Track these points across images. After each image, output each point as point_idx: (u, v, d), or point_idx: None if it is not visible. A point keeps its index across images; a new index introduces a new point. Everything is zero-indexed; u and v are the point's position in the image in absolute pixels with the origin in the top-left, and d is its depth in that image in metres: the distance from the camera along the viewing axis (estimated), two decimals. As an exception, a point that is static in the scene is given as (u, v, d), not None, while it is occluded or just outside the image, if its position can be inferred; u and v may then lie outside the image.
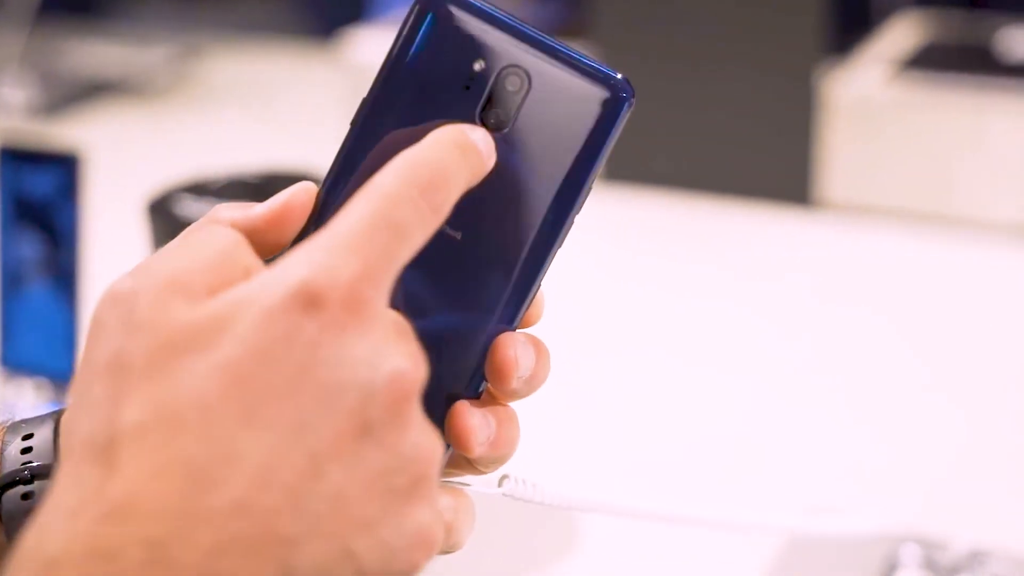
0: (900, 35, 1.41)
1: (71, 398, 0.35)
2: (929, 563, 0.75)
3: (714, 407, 0.97)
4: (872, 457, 0.89)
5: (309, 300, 0.33)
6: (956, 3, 1.45)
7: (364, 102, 0.41)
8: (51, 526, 0.32)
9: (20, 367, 0.96)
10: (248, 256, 0.37)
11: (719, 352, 1.05)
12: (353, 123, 0.41)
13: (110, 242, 1.16)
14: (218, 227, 0.37)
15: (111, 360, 0.34)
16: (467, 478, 0.42)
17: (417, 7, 0.41)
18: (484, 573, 0.78)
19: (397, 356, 0.34)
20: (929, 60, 1.33)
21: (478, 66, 0.41)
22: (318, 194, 0.41)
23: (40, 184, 0.93)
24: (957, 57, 1.34)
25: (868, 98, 1.27)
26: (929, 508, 0.83)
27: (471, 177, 0.39)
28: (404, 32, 0.41)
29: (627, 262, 1.24)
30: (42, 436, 0.45)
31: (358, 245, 0.34)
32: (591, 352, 1.06)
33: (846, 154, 1.28)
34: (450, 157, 0.38)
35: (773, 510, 0.83)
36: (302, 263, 0.34)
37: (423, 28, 0.41)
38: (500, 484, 0.43)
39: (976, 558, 0.74)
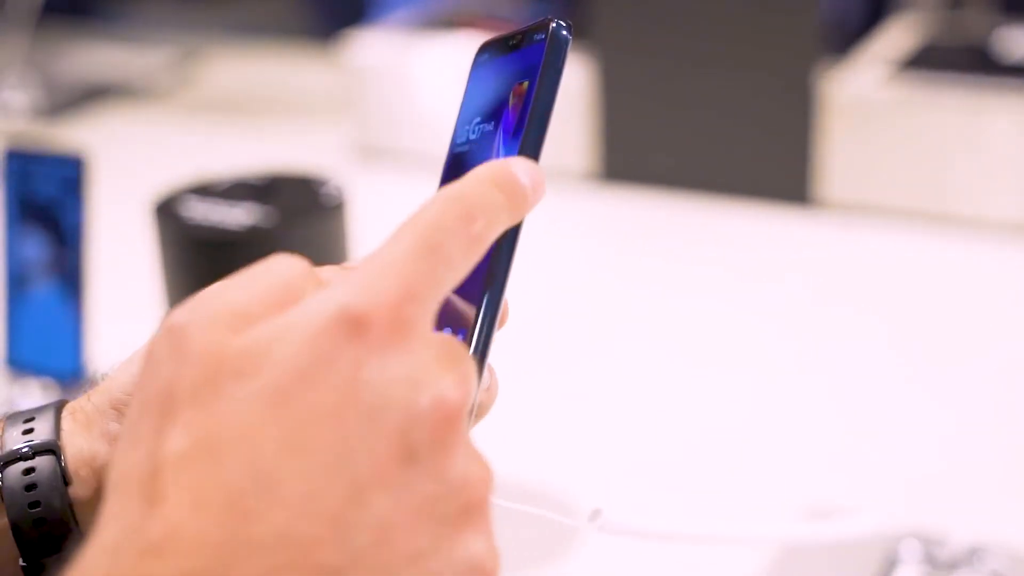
0: (898, 35, 1.42)
1: (122, 432, 0.35)
2: (929, 559, 0.75)
3: (713, 406, 0.97)
4: (871, 454, 0.90)
5: (351, 322, 0.33)
6: (954, 3, 1.46)
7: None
8: (93, 562, 0.32)
9: (25, 367, 0.97)
10: (312, 286, 0.36)
11: (717, 351, 1.06)
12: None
13: (114, 242, 1.17)
14: (287, 257, 0.37)
15: (159, 393, 0.33)
16: (556, 513, 0.42)
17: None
18: None
19: (442, 379, 0.34)
20: (927, 60, 1.34)
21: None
22: None
23: (46, 185, 0.94)
24: (955, 57, 1.34)
25: (866, 98, 1.28)
26: (928, 504, 0.83)
27: (513, 209, 0.39)
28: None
29: (626, 261, 1.25)
30: (44, 420, 0.46)
31: (400, 268, 0.34)
32: (590, 352, 1.07)
33: (844, 154, 1.29)
34: (488, 191, 0.38)
35: (773, 508, 0.84)
36: (344, 287, 0.34)
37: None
38: (592, 519, 0.43)
39: (975, 554, 0.75)
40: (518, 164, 0.40)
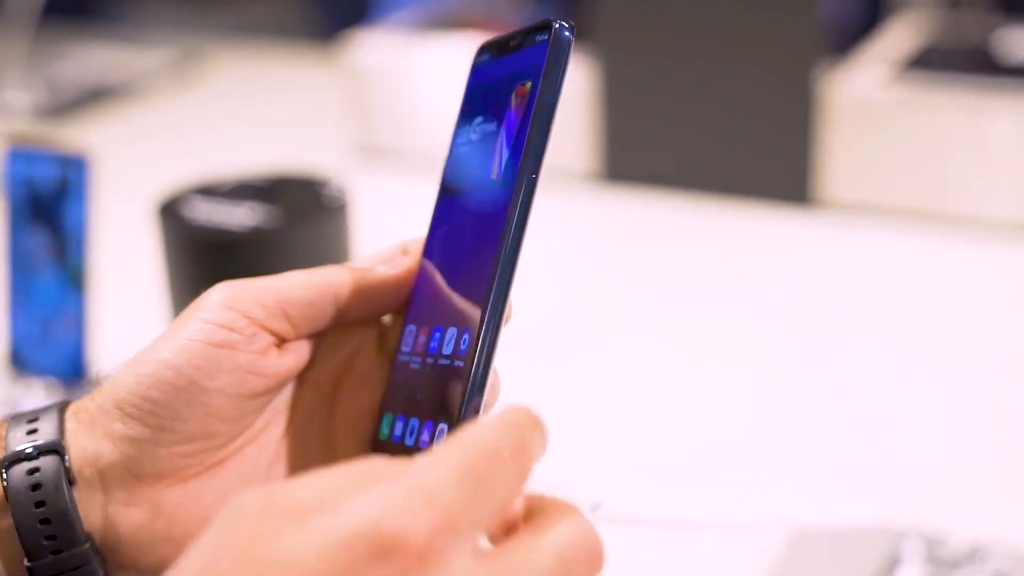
0: (899, 36, 1.42)
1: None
2: (931, 558, 0.75)
3: (714, 406, 0.97)
4: (872, 453, 0.90)
5: (380, 545, 0.32)
6: (955, 4, 1.46)
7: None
8: None
9: (29, 367, 0.97)
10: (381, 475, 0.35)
11: (718, 351, 1.06)
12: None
13: (117, 243, 1.17)
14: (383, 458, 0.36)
15: (199, 571, 0.33)
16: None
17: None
18: None
19: None
20: (928, 60, 1.34)
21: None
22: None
23: (49, 184, 0.94)
24: (956, 58, 1.35)
25: (867, 98, 1.28)
26: (930, 503, 0.83)
27: (541, 453, 0.38)
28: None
29: (627, 261, 1.25)
30: (47, 421, 0.46)
31: (443, 495, 0.33)
32: (591, 351, 1.07)
33: (845, 154, 1.29)
34: (532, 436, 0.37)
35: (774, 507, 0.84)
36: (379, 502, 0.33)
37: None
38: (593, 510, 0.44)
39: (977, 553, 0.75)
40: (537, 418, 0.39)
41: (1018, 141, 1.22)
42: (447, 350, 0.44)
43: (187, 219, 0.84)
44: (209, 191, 0.87)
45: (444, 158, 0.48)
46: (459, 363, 0.43)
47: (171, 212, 0.85)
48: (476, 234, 0.44)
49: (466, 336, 0.42)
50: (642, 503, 0.86)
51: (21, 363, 0.97)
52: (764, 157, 1.32)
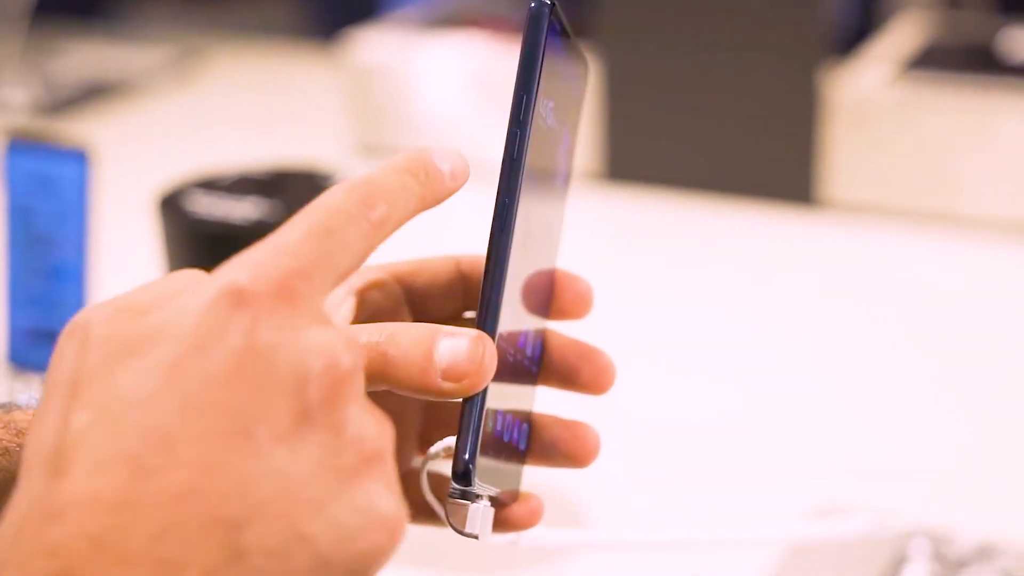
0: (903, 35, 1.41)
1: (31, 422, 0.36)
2: (938, 557, 0.75)
3: (718, 404, 0.97)
4: (878, 453, 0.90)
5: (235, 294, 0.34)
6: (958, 3, 1.45)
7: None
8: (1, 536, 0.33)
9: (27, 364, 0.96)
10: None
11: (721, 351, 1.06)
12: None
13: (115, 239, 1.16)
14: (187, 270, 0.39)
15: (64, 380, 0.34)
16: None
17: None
18: None
19: (332, 343, 0.35)
20: (932, 60, 1.33)
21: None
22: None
23: (49, 180, 0.93)
24: (960, 57, 1.34)
25: (870, 98, 1.27)
26: (937, 503, 0.83)
27: (428, 195, 0.41)
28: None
29: (630, 261, 1.25)
30: None
31: (290, 247, 0.36)
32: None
33: (849, 154, 1.28)
34: (396, 178, 0.40)
35: (779, 507, 0.84)
36: (235, 265, 0.35)
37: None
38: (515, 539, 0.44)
39: (985, 552, 0.75)
40: (436, 151, 0.41)
41: (1022, 140, 1.22)
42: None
43: (188, 212, 0.83)
44: (210, 185, 0.86)
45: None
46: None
47: (172, 205, 0.84)
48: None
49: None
50: (646, 500, 0.85)
51: (19, 359, 0.97)
52: (767, 157, 1.31)
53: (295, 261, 0.35)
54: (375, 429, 0.35)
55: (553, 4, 0.43)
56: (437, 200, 0.41)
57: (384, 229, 0.39)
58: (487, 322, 0.41)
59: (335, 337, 0.35)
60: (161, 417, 0.33)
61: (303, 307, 0.35)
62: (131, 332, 0.34)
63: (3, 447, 0.44)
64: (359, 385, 0.35)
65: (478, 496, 0.41)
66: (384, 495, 0.35)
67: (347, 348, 0.35)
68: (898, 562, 0.75)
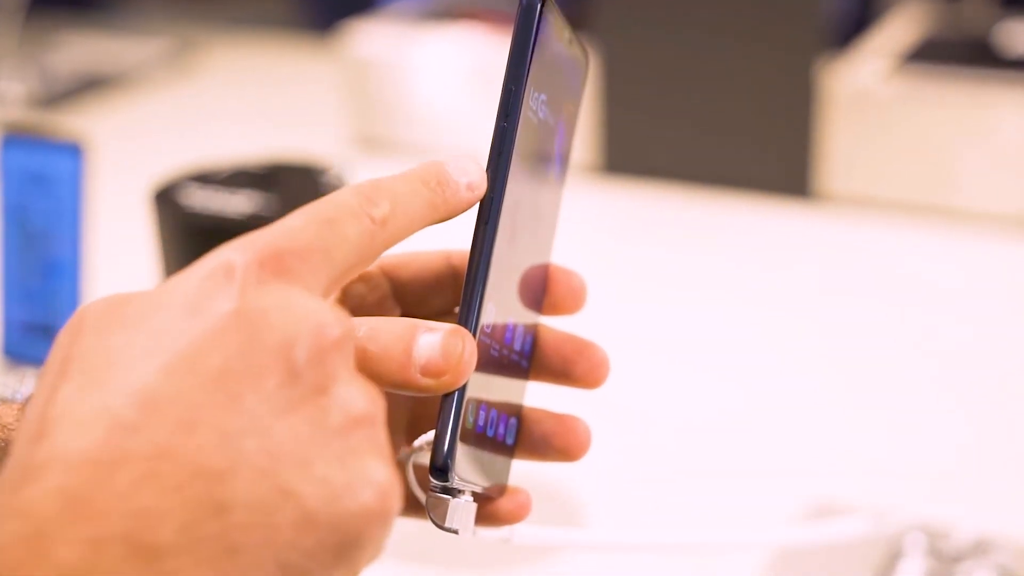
0: (901, 27, 1.41)
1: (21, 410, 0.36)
2: (934, 552, 0.75)
3: (715, 399, 0.97)
4: (876, 447, 0.90)
5: (227, 266, 0.35)
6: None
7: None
8: None
9: (23, 357, 0.96)
10: None
11: (717, 345, 1.05)
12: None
13: (111, 232, 1.16)
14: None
15: (57, 361, 0.35)
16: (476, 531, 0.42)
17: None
18: None
19: (323, 311, 0.35)
20: (930, 53, 1.33)
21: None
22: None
23: (44, 174, 0.93)
24: (957, 50, 1.34)
25: (868, 91, 1.27)
26: (933, 497, 0.83)
27: (441, 204, 0.41)
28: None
29: (626, 254, 1.24)
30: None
31: (290, 232, 0.36)
32: (593, 343, 1.06)
33: (846, 147, 1.28)
34: (407, 183, 0.40)
35: (774, 503, 0.83)
36: (231, 246, 0.36)
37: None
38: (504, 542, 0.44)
39: (980, 547, 0.75)
40: (452, 160, 0.41)
41: (1020, 134, 1.22)
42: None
43: (183, 206, 0.83)
44: (205, 178, 0.86)
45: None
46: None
47: (167, 198, 0.84)
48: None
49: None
50: (643, 496, 0.85)
51: (15, 353, 0.97)
52: (764, 150, 1.31)
53: (291, 243, 0.36)
54: (364, 396, 0.35)
55: None
56: (452, 209, 0.41)
57: (387, 228, 0.39)
58: (468, 317, 0.41)
59: (326, 307, 0.35)
60: (145, 376, 0.33)
61: (296, 282, 0.35)
62: (125, 311, 0.35)
63: None
64: (348, 354, 0.35)
65: (459, 491, 0.40)
66: (373, 457, 0.34)
67: (338, 318, 0.35)
68: (894, 557, 0.75)
